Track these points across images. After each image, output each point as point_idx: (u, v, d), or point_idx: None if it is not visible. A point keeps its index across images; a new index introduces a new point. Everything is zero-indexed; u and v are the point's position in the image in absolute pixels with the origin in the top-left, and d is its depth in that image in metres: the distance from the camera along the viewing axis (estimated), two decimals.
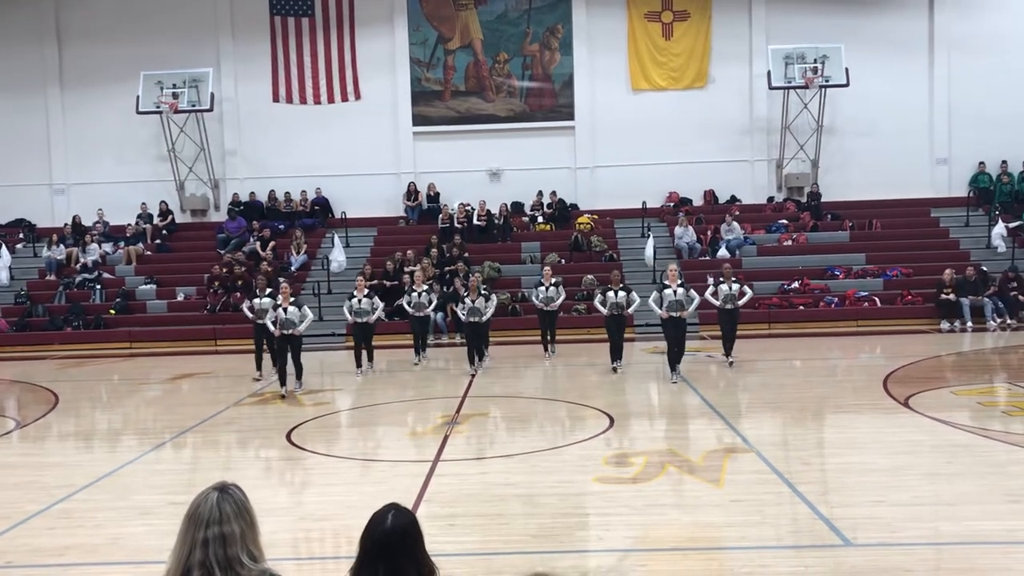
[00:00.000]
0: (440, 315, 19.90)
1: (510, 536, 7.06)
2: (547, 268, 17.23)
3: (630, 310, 15.00)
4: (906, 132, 24.54)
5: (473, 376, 14.61)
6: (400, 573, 2.81)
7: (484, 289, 16.38)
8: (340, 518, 7.65)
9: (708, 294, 14.89)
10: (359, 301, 15.49)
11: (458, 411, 12.01)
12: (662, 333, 14.23)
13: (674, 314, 13.63)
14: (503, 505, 7.87)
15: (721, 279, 15.01)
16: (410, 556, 2.84)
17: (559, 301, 16.51)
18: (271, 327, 13.62)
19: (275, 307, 13.81)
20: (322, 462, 9.83)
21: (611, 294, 14.73)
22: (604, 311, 14.77)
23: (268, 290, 14.78)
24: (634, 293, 14.98)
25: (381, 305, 15.99)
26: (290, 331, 13.34)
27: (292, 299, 14.11)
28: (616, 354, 14.77)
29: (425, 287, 16.80)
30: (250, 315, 14.99)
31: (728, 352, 14.94)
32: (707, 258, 22.64)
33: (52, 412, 13.27)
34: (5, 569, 6.63)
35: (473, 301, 15.40)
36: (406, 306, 16.70)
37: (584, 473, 8.79)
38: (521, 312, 20.56)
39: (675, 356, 13.72)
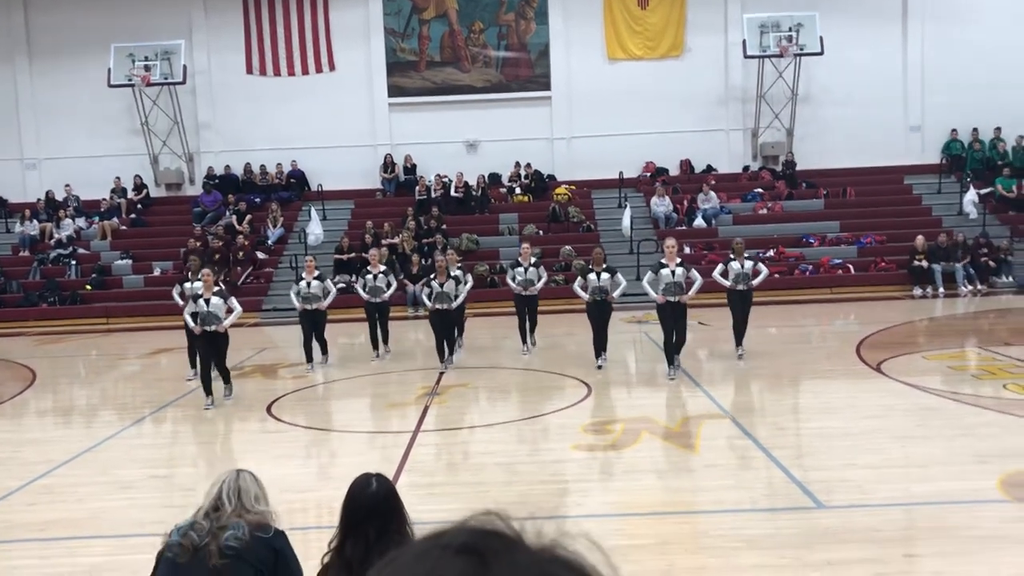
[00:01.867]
0: (417, 287, 19.80)
1: (490, 504, 7.14)
2: (525, 246, 14.56)
3: (615, 294, 12.58)
4: (880, 100, 24.68)
5: (442, 373, 12.67)
6: (390, 533, 2.90)
7: (459, 267, 14.68)
8: (322, 489, 7.73)
9: (717, 273, 12.80)
10: (308, 285, 13.32)
11: (437, 383, 12.08)
12: (657, 320, 12.09)
13: (672, 299, 11.56)
14: (483, 473, 7.98)
15: (732, 256, 12.81)
16: (397, 516, 2.96)
17: (539, 284, 13.98)
18: (190, 322, 11.16)
19: (196, 297, 11.21)
20: (303, 434, 9.89)
21: (593, 276, 12.48)
22: (585, 296, 12.53)
23: (203, 271, 11.63)
24: (619, 275, 12.71)
25: (334, 290, 13.93)
26: (213, 327, 10.85)
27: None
28: (600, 347, 12.66)
29: (383, 268, 14.48)
30: (180, 302, 12.46)
31: (739, 342, 12.88)
32: (684, 227, 22.77)
33: (30, 389, 13.23)
34: None
35: (442, 284, 12.95)
36: (360, 290, 14.37)
37: (562, 441, 8.92)
38: (499, 284, 20.63)
39: (673, 347, 11.78)
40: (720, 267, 12.92)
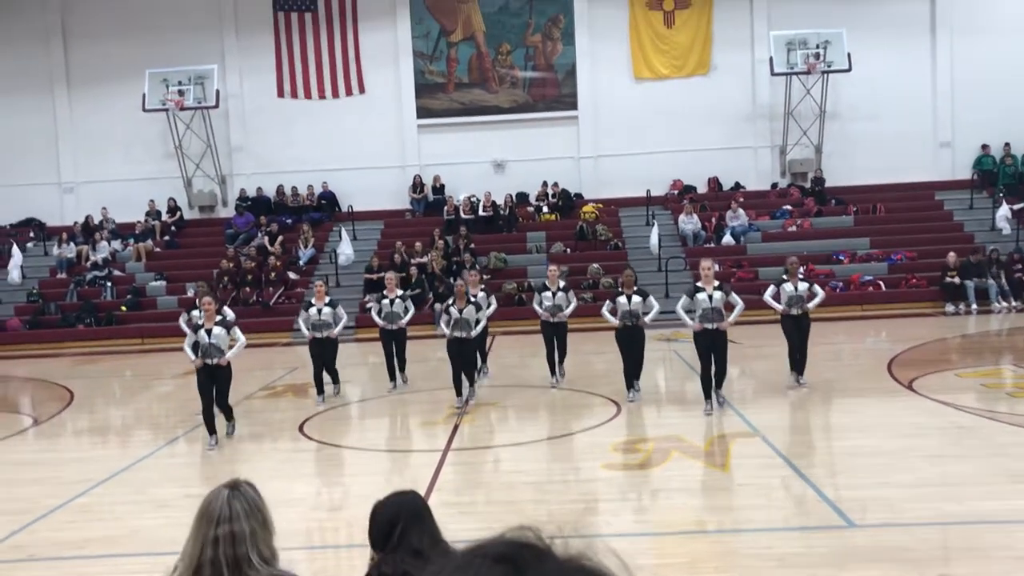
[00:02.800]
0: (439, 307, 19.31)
1: (520, 523, 7.20)
2: (552, 268, 13.32)
3: (647, 319, 11.54)
4: (909, 116, 24.53)
5: (460, 410, 11.52)
6: (437, 533, 2.96)
7: (482, 288, 13.69)
8: (353, 507, 7.80)
9: (769, 296, 11.78)
10: (318, 312, 12.55)
11: (467, 401, 12.14)
12: (694, 348, 10.89)
13: (710, 325, 10.53)
14: (513, 492, 8.02)
15: (785, 276, 11.73)
16: (433, 521, 3.00)
17: (569, 310, 12.68)
18: (189, 354, 10.32)
19: (197, 327, 10.41)
20: (334, 453, 9.99)
21: (623, 300, 11.42)
22: (615, 321, 11.48)
23: (205, 299, 10.81)
24: (651, 298, 11.63)
25: (345, 317, 13.15)
26: (214, 360, 10.09)
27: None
28: (633, 375, 11.62)
29: (400, 292, 13.59)
30: (187, 330, 11.45)
31: (800, 371, 11.75)
32: (712, 245, 22.72)
33: (67, 409, 13.46)
34: (28, 562, 6.80)
35: (460, 310, 11.76)
36: (375, 316, 13.49)
37: (592, 460, 8.93)
38: (527, 302, 20.68)
39: (711, 380, 10.71)
40: (771, 289, 11.86)
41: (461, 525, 7.04)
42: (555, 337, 12.78)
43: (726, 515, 7.23)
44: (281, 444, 10.53)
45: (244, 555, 2.77)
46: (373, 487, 8.41)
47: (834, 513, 6.93)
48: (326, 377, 12.77)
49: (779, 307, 11.61)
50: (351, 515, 7.69)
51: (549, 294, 12.67)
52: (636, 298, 11.41)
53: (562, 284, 12.92)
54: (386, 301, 13.30)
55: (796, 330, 11.59)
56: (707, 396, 10.67)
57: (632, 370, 11.62)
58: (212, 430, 10.24)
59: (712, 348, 10.58)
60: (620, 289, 11.81)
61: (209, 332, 10.12)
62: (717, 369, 10.70)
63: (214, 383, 10.17)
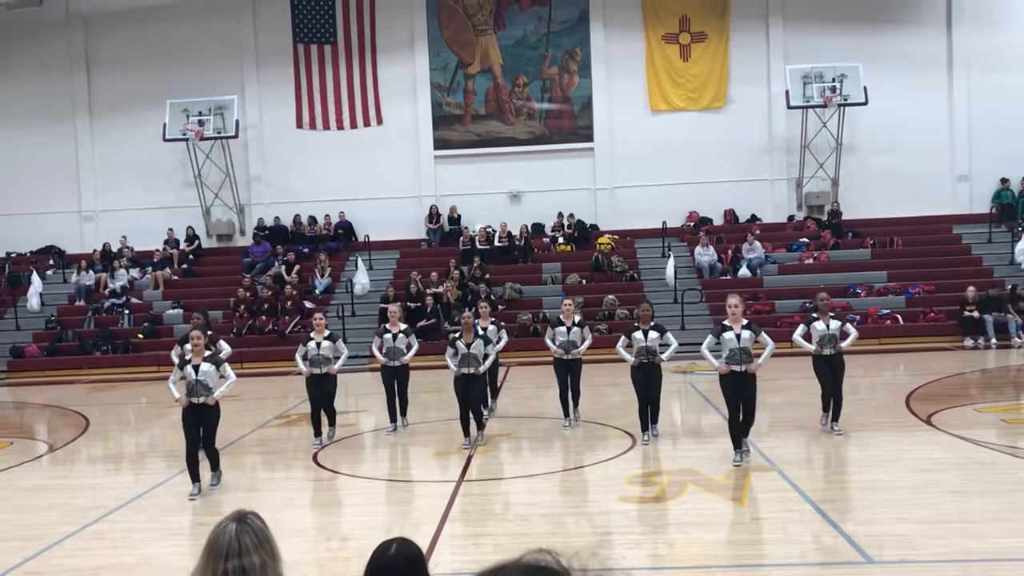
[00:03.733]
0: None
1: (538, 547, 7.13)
2: (567, 303, 12.45)
3: (665, 356, 11.09)
4: (926, 149, 24.52)
5: (471, 455, 10.79)
6: None
7: (492, 321, 13.20)
8: (366, 537, 7.75)
9: (799, 335, 11.13)
10: (317, 345, 11.67)
11: (475, 443, 12.02)
12: (721, 392, 9.95)
13: (738, 368, 9.62)
14: (527, 524, 7.96)
15: (816, 315, 11.11)
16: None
17: (583, 347, 12.05)
18: (173, 392, 9.60)
19: (183, 364, 9.61)
20: (348, 483, 9.96)
21: (639, 335, 10.89)
22: (630, 359, 10.95)
23: (193, 333, 9.85)
24: (670, 334, 11.21)
25: (346, 352, 12.27)
26: (201, 399, 9.37)
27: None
28: (650, 417, 11.05)
29: (403, 327, 12.49)
30: (176, 362, 10.32)
31: (835, 416, 11.02)
32: (728, 277, 22.68)
33: (83, 436, 13.50)
34: None
35: (468, 345, 11.20)
36: (376, 352, 12.44)
37: (607, 492, 8.87)
38: (542, 332, 20.65)
39: (739, 427, 9.80)
40: (802, 328, 11.18)
41: (473, 557, 6.99)
42: (568, 375, 12.13)
43: (742, 549, 7.14)
44: (294, 473, 10.52)
45: None
46: (386, 517, 8.40)
47: (852, 549, 6.84)
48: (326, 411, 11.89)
49: (810, 347, 10.93)
50: (363, 545, 7.64)
51: (564, 329, 12.06)
52: (653, 334, 10.89)
53: (577, 319, 12.27)
54: (388, 336, 12.25)
55: (829, 370, 10.87)
56: (737, 445, 9.75)
57: (648, 411, 11.03)
58: (195, 477, 9.38)
59: (740, 392, 9.66)
60: (636, 324, 11.16)
61: (197, 368, 9.36)
62: (745, 416, 9.77)
63: (200, 424, 9.42)
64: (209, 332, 12.18)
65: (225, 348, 12.04)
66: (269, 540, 2.88)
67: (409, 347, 12.30)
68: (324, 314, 13.49)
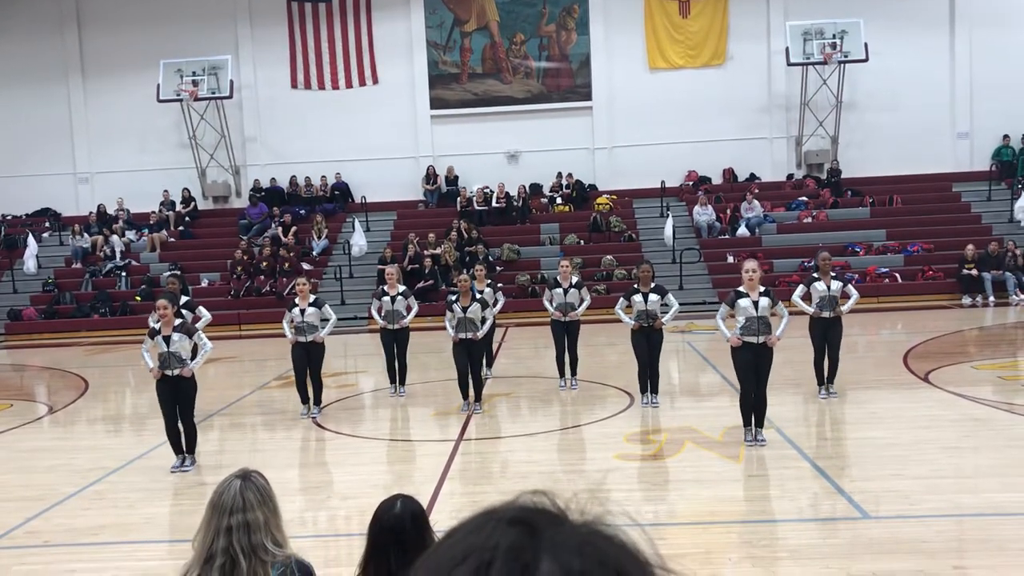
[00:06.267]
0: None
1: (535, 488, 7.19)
2: (564, 263, 12.13)
3: (666, 319, 10.78)
4: (927, 107, 24.34)
5: (469, 416, 10.71)
6: (412, 557, 2.76)
7: (488, 284, 12.96)
8: (366, 496, 7.80)
9: (798, 296, 10.61)
10: (301, 312, 10.98)
11: (473, 410, 12.03)
12: (733, 367, 9.09)
13: (754, 339, 8.71)
14: (525, 482, 8.00)
15: (816, 275, 10.57)
16: (421, 542, 2.83)
17: (581, 309, 11.82)
18: (148, 361, 8.93)
19: (153, 333, 8.92)
20: (348, 443, 10.01)
21: (639, 298, 10.44)
22: (629, 321, 10.57)
23: (159, 301, 8.93)
24: (671, 295, 10.92)
25: (334, 317, 11.55)
26: (176, 371, 8.68)
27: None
28: (650, 381, 10.73)
29: (401, 289, 12.17)
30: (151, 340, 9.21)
31: (831, 379, 10.72)
32: (727, 236, 22.63)
33: (82, 397, 13.55)
34: (44, 548, 6.85)
35: (465, 309, 10.87)
36: (375, 314, 12.18)
37: (605, 450, 8.92)
38: (540, 293, 20.67)
39: (752, 404, 8.84)
40: (801, 288, 10.70)
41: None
42: (566, 337, 11.90)
43: (740, 506, 7.20)
44: (295, 433, 10.56)
45: (259, 543, 2.91)
46: (386, 476, 8.45)
47: (849, 505, 6.89)
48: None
49: (809, 309, 10.49)
50: (364, 503, 7.69)
51: (561, 291, 11.78)
52: (653, 296, 10.47)
53: (575, 279, 11.93)
54: (387, 298, 11.94)
55: (824, 333, 10.47)
56: (747, 423, 8.86)
57: (647, 376, 10.68)
58: (178, 449, 8.86)
59: (755, 367, 8.73)
60: (636, 286, 10.64)
61: (168, 339, 8.68)
62: (759, 393, 8.81)
63: (176, 398, 8.78)
64: (187, 298, 11.90)
65: (205, 316, 11.42)
66: (271, 497, 3.02)
67: (409, 309, 12.07)
68: (320, 276, 13.30)
